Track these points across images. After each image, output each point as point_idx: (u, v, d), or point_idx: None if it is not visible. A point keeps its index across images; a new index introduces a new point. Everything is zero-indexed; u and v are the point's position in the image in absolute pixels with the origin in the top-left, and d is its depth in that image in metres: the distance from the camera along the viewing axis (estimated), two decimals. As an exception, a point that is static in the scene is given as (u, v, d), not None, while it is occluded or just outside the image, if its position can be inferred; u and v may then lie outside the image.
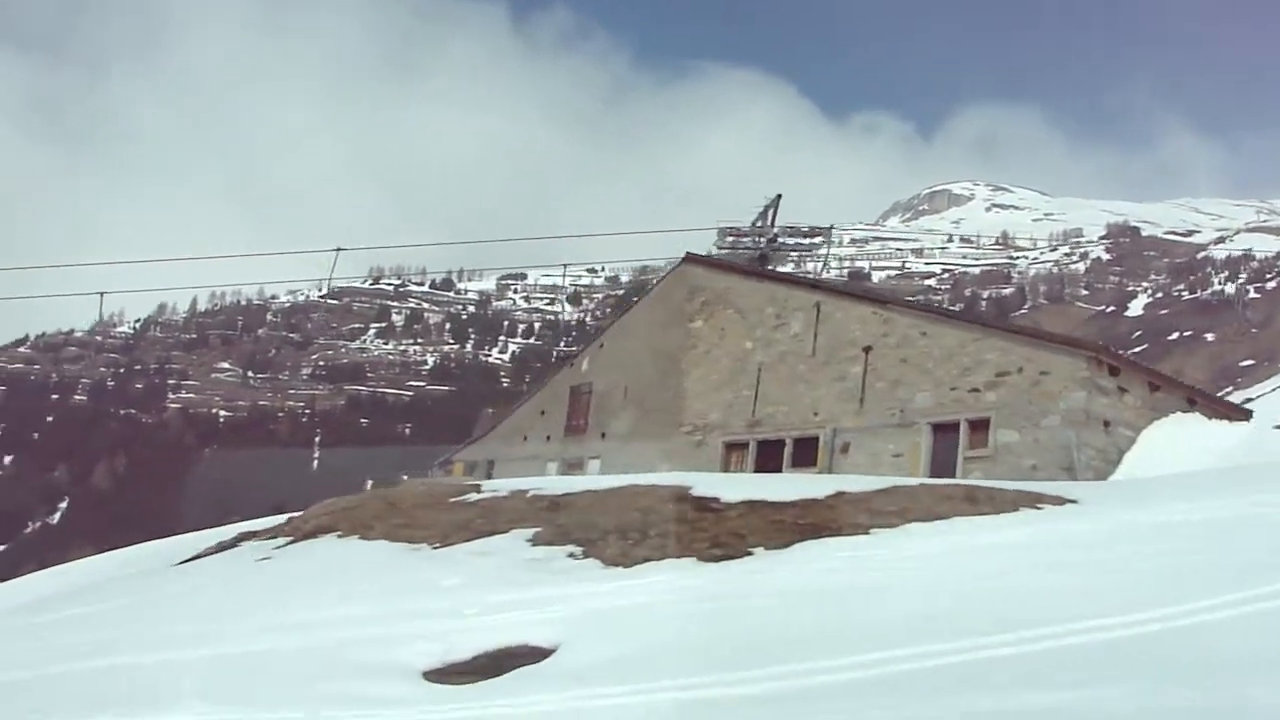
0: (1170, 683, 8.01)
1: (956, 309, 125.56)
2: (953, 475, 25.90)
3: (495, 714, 10.62)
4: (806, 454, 30.98)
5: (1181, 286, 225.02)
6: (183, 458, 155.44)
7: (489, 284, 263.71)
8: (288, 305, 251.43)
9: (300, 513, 26.76)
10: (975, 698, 8.34)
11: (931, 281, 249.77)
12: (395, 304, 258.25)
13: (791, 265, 44.04)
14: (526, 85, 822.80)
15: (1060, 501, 18.70)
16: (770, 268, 39.50)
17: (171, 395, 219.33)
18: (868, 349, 30.72)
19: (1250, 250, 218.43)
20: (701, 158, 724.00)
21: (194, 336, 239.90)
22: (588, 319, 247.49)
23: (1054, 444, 26.03)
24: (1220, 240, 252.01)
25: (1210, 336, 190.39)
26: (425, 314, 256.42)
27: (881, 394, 30.07)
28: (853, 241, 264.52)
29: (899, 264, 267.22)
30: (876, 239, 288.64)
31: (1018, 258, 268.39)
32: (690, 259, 38.12)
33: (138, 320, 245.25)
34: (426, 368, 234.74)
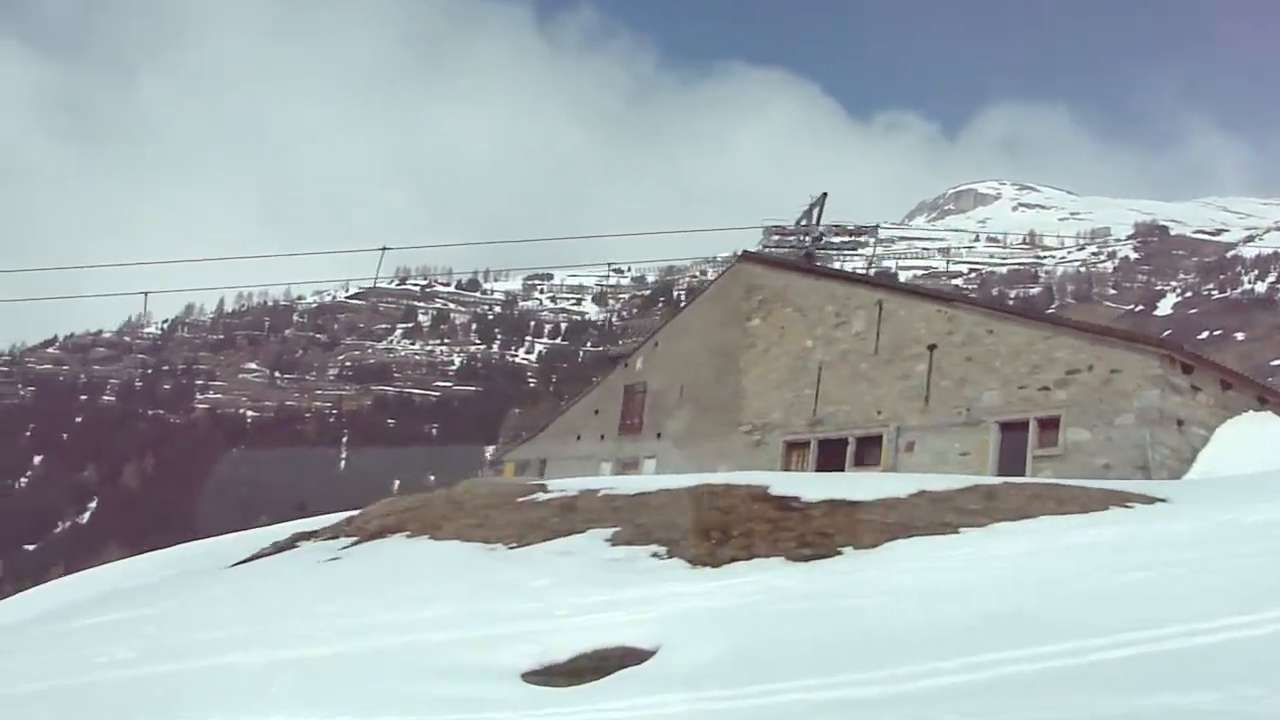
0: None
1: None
2: (1022, 474, 25.55)
3: (605, 718, 10.39)
4: (870, 453, 30.79)
5: (1211, 286, 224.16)
6: (211, 458, 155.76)
7: (515, 284, 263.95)
8: (314, 306, 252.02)
9: (356, 512, 26.59)
10: (1096, 700, 8.16)
11: (959, 281, 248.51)
12: (422, 304, 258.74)
13: (838, 265, 43.72)
14: (551, 85, 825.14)
15: (1150, 500, 18.35)
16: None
17: (199, 395, 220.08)
18: (932, 347, 30.43)
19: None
20: (726, 157, 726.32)
21: (221, 337, 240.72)
22: (614, 319, 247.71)
23: (1127, 443, 25.70)
24: (1249, 239, 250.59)
25: (1240, 336, 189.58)
26: (452, 314, 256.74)
27: (947, 392, 29.80)
28: (879, 241, 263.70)
29: (926, 264, 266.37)
30: (903, 238, 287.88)
31: (1045, 257, 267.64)
32: (747, 257, 37.97)
33: (165, 321, 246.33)
34: (453, 368, 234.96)
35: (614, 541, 18.45)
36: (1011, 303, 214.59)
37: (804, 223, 42.33)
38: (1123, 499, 18.42)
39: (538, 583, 16.33)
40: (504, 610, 14.75)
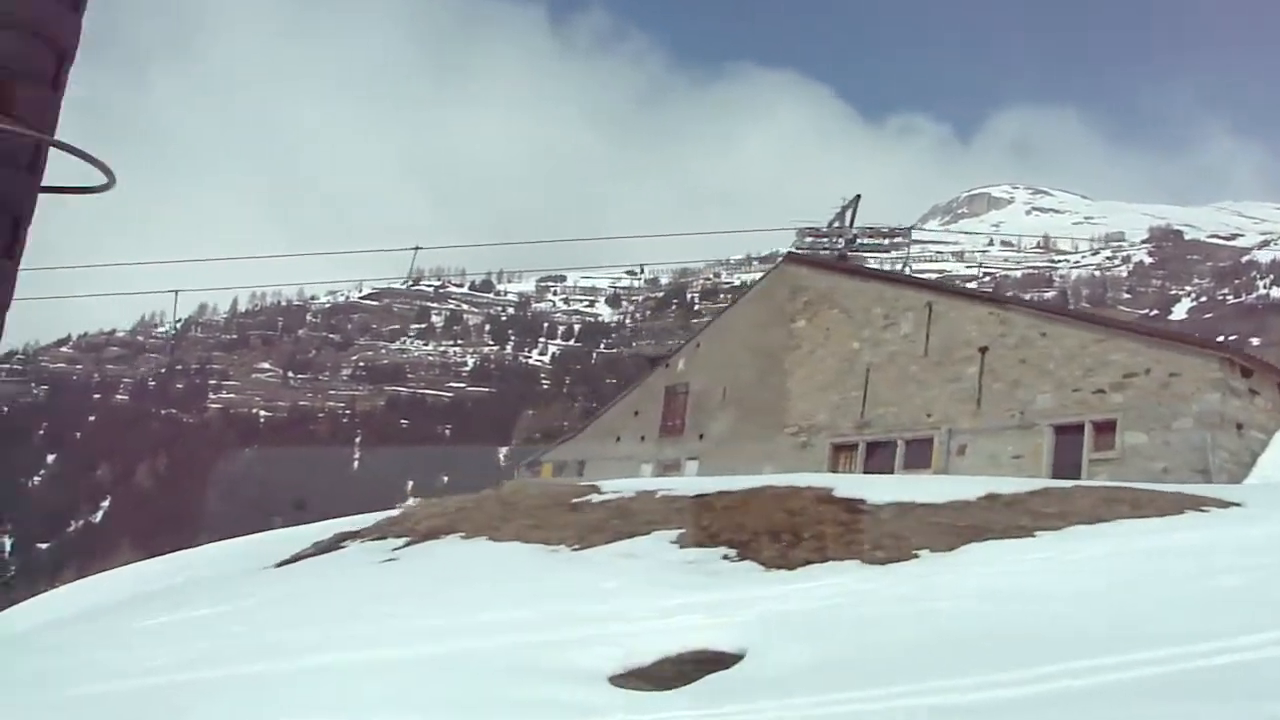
0: None
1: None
2: (1077, 477, 25.45)
3: (707, 725, 10.25)
4: (920, 456, 30.60)
5: (1226, 290, 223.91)
6: (224, 458, 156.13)
7: (529, 285, 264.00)
8: (328, 306, 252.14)
9: (397, 512, 26.46)
10: (1205, 710, 8.07)
11: (973, 285, 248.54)
12: (435, 305, 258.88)
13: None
14: (563, 86, 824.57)
15: (1224, 504, 18.18)
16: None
17: (212, 395, 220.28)
18: (984, 349, 30.26)
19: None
20: (737, 159, 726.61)
21: (234, 337, 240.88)
22: (628, 321, 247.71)
23: (1185, 446, 25.49)
24: (1264, 244, 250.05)
25: (1256, 341, 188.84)
26: (465, 315, 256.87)
27: (999, 395, 29.62)
28: (894, 244, 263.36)
29: (940, 267, 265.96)
30: (916, 241, 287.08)
31: (1059, 261, 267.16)
32: (792, 259, 37.82)
33: (179, 320, 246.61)
34: (466, 369, 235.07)
35: (681, 544, 18.37)
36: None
37: (836, 224, 42.22)
38: (1197, 503, 18.24)
39: (608, 585, 16.22)
40: (579, 613, 14.62)
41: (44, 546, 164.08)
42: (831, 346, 34.48)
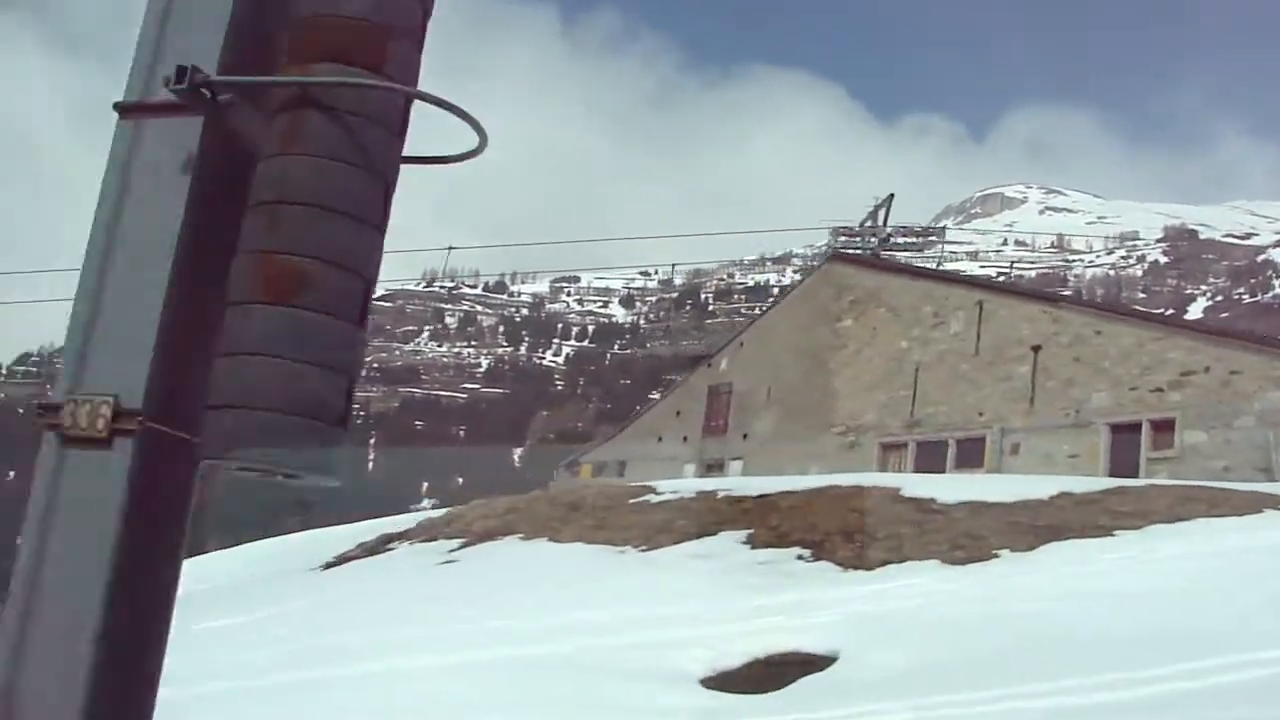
0: None
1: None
2: (1135, 476, 25.28)
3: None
4: (972, 455, 30.42)
5: (1241, 290, 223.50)
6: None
7: (542, 286, 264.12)
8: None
9: (440, 513, 26.29)
10: None
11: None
12: (449, 306, 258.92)
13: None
14: (574, 87, 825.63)
15: (1303, 503, 17.95)
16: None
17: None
18: (1037, 348, 30.08)
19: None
20: (750, 160, 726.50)
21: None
22: (642, 321, 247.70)
23: (1247, 445, 25.30)
24: (1279, 243, 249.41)
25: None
26: (479, 316, 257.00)
27: (1053, 393, 29.45)
28: (925, 243, 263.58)
29: (955, 267, 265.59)
30: (947, 241, 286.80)
31: (1073, 261, 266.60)
32: (838, 258, 37.58)
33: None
34: (480, 370, 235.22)
35: (752, 544, 18.22)
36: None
37: (869, 224, 42.15)
38: (1276, 501, 18.03)
39: (683, 586, 16.16)
40: (658, 615, 14.51)
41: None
42: (879, 346, 34.27)
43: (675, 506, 21.40)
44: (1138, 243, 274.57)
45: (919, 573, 15.82)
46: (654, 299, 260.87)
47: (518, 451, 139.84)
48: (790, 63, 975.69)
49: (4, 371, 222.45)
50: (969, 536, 17.13)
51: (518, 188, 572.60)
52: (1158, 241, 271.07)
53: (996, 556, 16.18)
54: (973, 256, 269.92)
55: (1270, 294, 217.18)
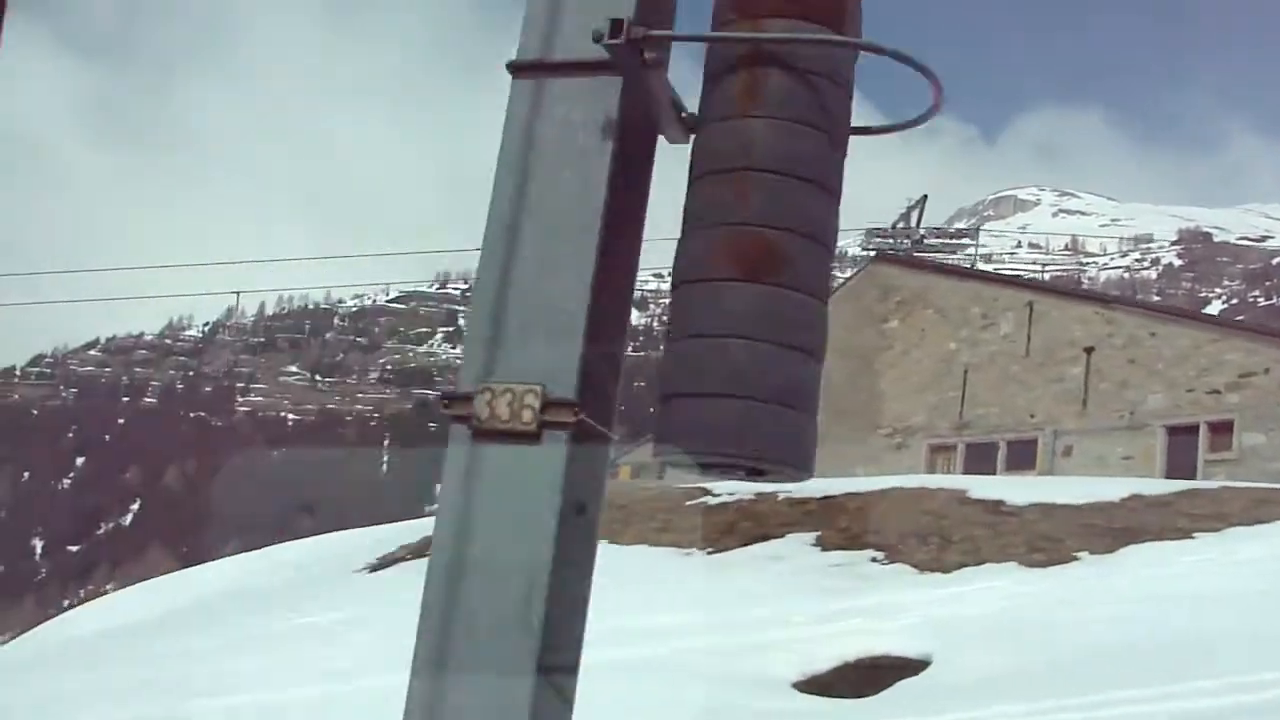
0: None
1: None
2: (1193, 478, 25.12)
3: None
4: (1024, 457, 30.17)
5: (1256, 292, 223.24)
6: (252, 460, 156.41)
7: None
8: (355, 309, 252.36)
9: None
10: None
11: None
12: (462, 308, 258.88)
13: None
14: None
15: (1384, 506, 17.73)
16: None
17: (240, 398, 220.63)
18: (1089, 349, 29.81)
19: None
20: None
21: (262, 340, 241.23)
22: (655, 323, 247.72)
23: (1308, 448, 25.04)
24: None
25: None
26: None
27: (1107, 395, 29.21)
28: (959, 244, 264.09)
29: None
30: (962, 244, 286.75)
31: (1087, 264, 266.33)
32: (882, 258, 37.30)
33: (206, 324, 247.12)
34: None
35: (822, 546, 18.00)
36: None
37: (901, 225, 42.10)
38: (1352, 504, 17.83)
39: (760, 589, 15.99)
40: (739, 618, 14.31)
41: (74, 549, 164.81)
42: (927, 347, 34.01)
43: (735, 508, 21.12)
44: (1152, 245, 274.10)
45: (998, 575, 15.69)
46: (667, 301, 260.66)
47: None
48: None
49: (18, 373, 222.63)
50: (1045, 539, 16.96)
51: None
52: (1172, 244, 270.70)
53: (1076, 559, 16.01)
54: (986, 259, 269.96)
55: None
